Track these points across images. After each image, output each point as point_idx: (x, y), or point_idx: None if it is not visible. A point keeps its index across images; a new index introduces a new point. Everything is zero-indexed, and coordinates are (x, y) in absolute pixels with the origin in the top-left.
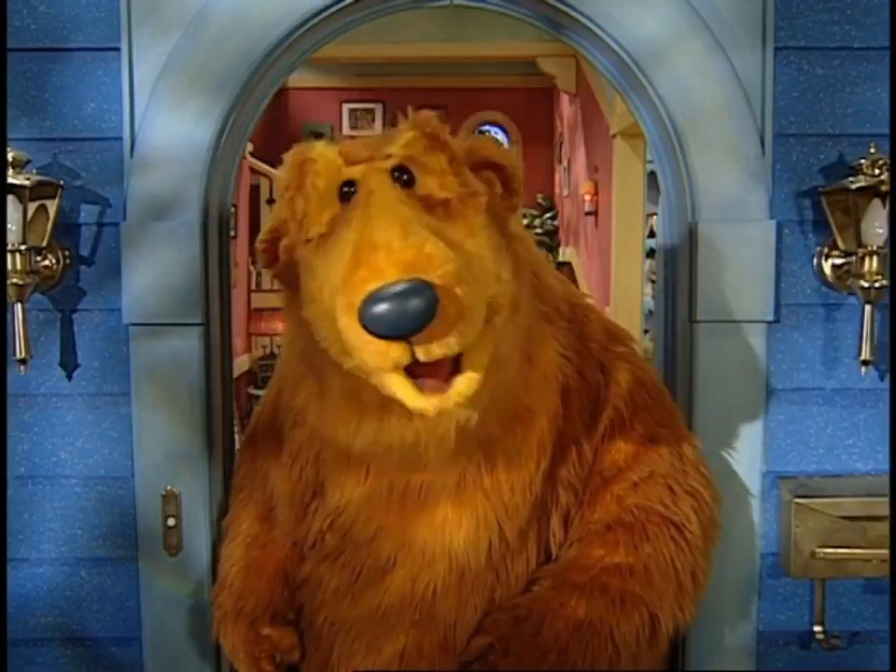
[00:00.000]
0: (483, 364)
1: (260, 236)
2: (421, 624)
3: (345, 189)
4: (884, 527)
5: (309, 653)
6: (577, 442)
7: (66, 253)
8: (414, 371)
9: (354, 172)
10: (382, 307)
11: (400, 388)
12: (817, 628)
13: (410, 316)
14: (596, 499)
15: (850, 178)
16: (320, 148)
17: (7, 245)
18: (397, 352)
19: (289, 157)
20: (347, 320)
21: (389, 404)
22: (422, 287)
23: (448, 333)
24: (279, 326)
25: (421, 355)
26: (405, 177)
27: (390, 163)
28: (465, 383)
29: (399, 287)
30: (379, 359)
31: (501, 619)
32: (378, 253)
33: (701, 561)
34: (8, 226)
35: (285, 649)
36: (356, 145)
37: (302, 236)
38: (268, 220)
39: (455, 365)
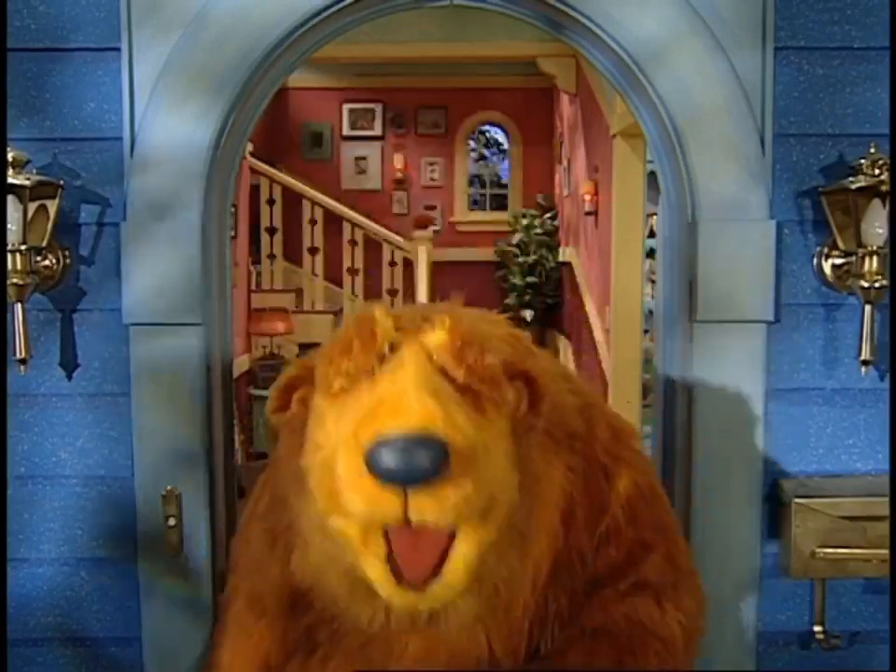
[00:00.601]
0: (472, 557)
1: (278, 382)
2: None
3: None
4: (884, 527)
5: None
6: (580, 552)
7: (66, 253)
8: (398, 547)
9: (396, 337)
10: (391, 448)
11: (377, 575)
12: (817, 628)
13: (416, 463)
14: (584, 604)
15: (850, 178)
16: (380, 315)
17: (7, 244)
18: (390, 504)
19: (354, 321)
20: (350, 459)
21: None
22: (436, 443)
23: (447, 496)
24: (279, 326)
25: (413, 514)
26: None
27: (433, 342)
28: (453, 573)
29: (412, 435)
30: (370, 507)
31: None
32: (403, 401)
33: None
34: (9, 226)
35: None
36: (406, 312)
37: (325, 386)
38: (289, 368)
39: (439, 560)
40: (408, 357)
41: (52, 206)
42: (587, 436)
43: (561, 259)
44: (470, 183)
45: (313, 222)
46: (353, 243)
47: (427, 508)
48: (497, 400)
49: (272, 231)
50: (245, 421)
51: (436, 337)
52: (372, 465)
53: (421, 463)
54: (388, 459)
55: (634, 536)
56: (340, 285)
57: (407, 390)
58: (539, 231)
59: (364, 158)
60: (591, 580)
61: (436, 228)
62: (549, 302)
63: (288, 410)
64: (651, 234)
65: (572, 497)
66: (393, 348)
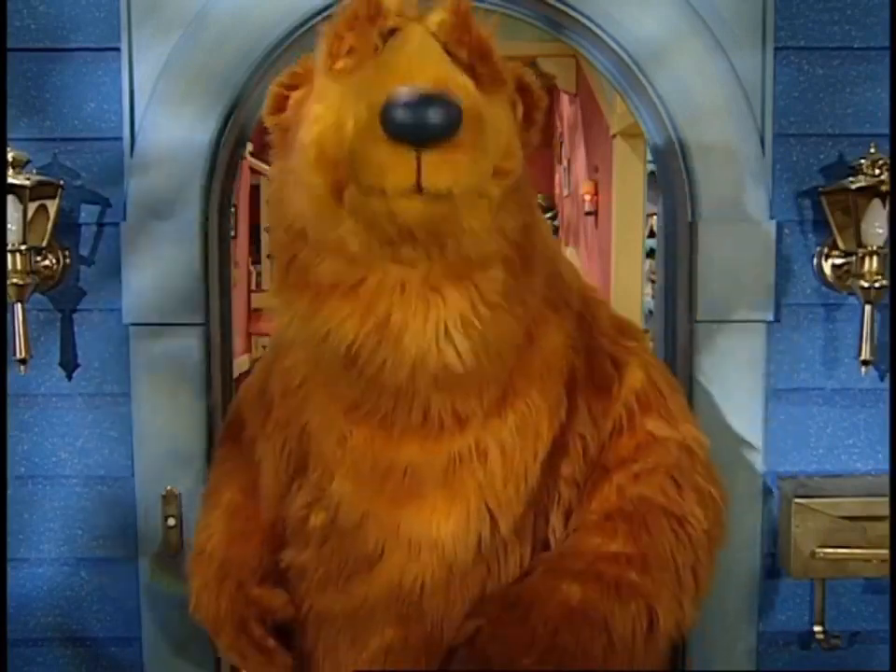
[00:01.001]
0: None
1: (278, 79)
2: (408, 619)
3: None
4: (884, 527)
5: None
6: (582, 437)
7: (66, 253)
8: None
9: (398, 21)
10: (406, 106)
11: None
12: (817, 628)
13: (433, 119)
14: (596, 489)
15: (850, 178)
16: None
17: (7, 244)
18: (404, 167)
19: None
20: (363, 122)
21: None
22: (450, 101)
23: (459, 163)
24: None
25: (427, 176)
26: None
27: (434, 25)
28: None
29: (427, 91)
30: (383, 172)
31: (491, 603)
32: (411, 63)
33: (703, 559)
34: (9, 226)
35: (277, 607)
36: (406, 2)
37: (326, 65)
38: (292, 66)
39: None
40: (411, 33)
41: (52, 206)
42: (590, 325)
43: None
44: None
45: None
46: None
47: (441, 172)
48: (497, 79)
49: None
50: None
51: (437, 16)
52: (387, 122)
53: (436, 119)
54: (403, 115)
55: (650, 425)
56: None
57: (416, 56)
58: None
59: None
60: (603, 469)
61: None
62: None
63: (283, 112)
64: (651, 234)
65: (575, 371)
66: (394, 32)
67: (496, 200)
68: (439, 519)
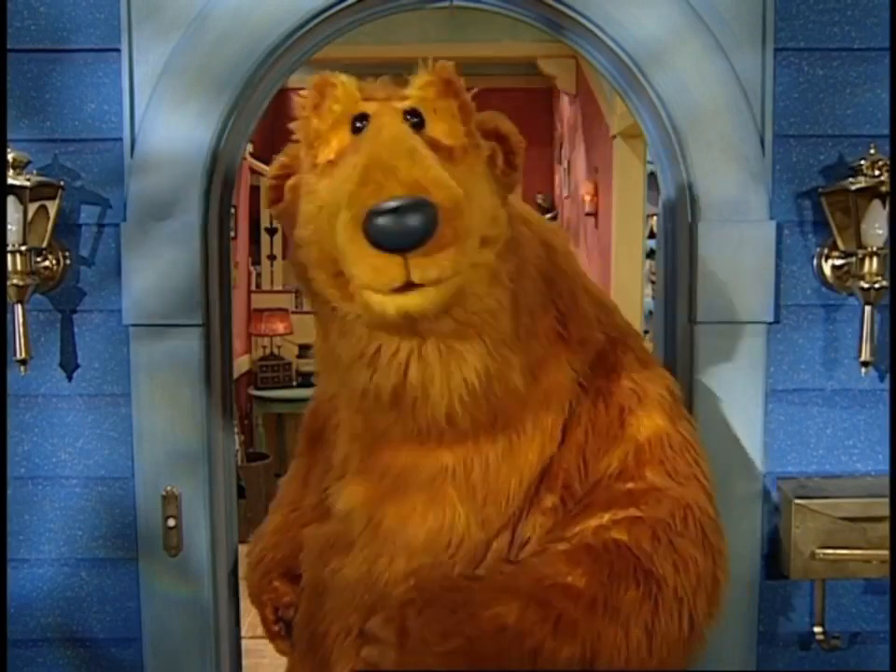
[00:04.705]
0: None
1: (270, 171)
2: (372, 608)
3: (358, 125)
4: (884, 528)
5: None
6: (567, 472)
7: (67, 254)
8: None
9: (369, 106)
10: (386, 218)
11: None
12: (817, 629)
13: (412, 228)
14: (576, 522)
15: (850, 179)
16: (342, 77)
17: (7, 245)
18: (394, 269)
19: (312, 80)
20: (349, 233)
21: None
22: (425, 204)
23: (443, 254)
24: (279, 326)
25: (416, 275)
26: (416, 120)
27: (404, 104)
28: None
29: (403, 202)
30: (375, 275)
31: (434, 581)
32: (386, 173)
33: (666, 621)
34: (9, 227)
35: (283, 604)
36: (374, 85)
37: (310, 161)
38: (279, 157)
39: None
40: (382, 124)
41: (53, 207)
42: (613, 361)
43: None
44: None
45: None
46: None
47: (429, 267)
48: (474, 144)
49: (272, 231)
50: (244, 421)
51: (415, 90)
52: (370, 236)
53: (414, 225)
54: (385, 228)
55: (651, 477)
56: None
57: (388, 155)
58: None
59: None
60: (587, 506)
61: None
62: None
63: (282, 202)
64: (651, 235)
65: (578, 410)
66: (365, 118)
67: (490, 263)
68: (415, 522)
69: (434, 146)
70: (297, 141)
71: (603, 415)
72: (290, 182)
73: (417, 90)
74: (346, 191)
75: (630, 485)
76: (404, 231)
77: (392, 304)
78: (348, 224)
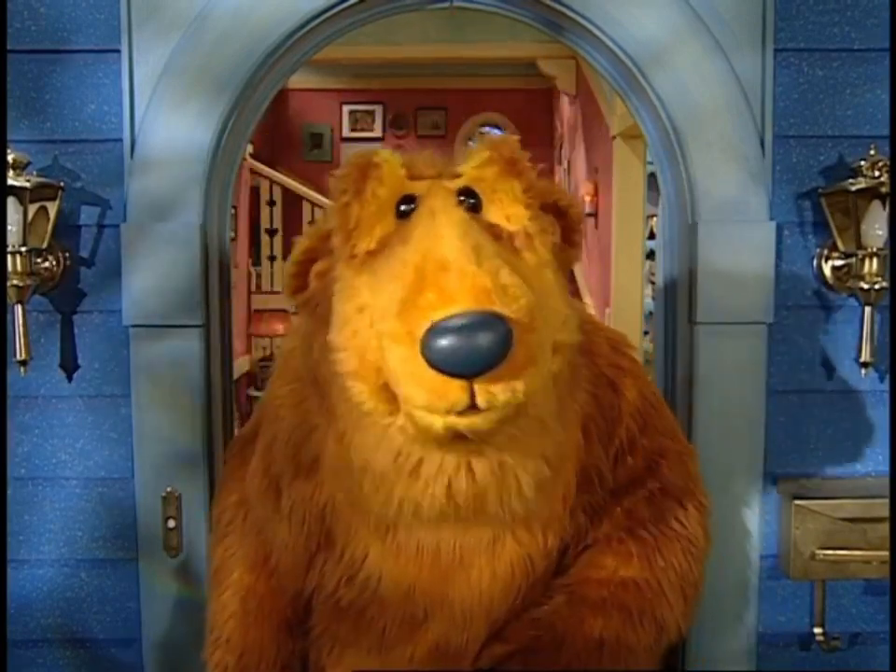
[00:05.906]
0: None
1: (293, 257)
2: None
3: (403, 208)
4: (884, 529)
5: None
6: (597, 468)
7: (67, 254)
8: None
9: (416, 186)
10: (450, 339)
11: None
12: (817, 630)
13: (482, 353)
14: (606, 511)
15: (850, 180)
16: (386, 154)
17: (7, 246)
18: (457, 394)
19: (351, 159)
20: (404, 350)
21: (419, 462)
22: (497, 322)
23: (516, 377)
24: (279, 327)
25: (482, 400)
26: (472, 202)
27: (458, 184)
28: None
29: (471, 319)
30: (434, 399)
31: (519, 629)
32: (448, 276)
33: (700, 573)
34: (9, 227)
35: None
36: (422, 158)
37: (347, 252)
38: (302, 240)
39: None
40: (434, 211)
41: (53, 208)
42: (590, 350)
43: None
44: None
45: (313, 223)
46: None
47: (497, 392)
48: (535, 236)
49: (272, 232)
50: (244, 422)
51: (473, 170)
52: (432, 360)
53: (487, 351)
54: (451, 354)
55: (649, 443)
56: None
57: (451, 256)
58: None
59: None
60: (611, 492)
61: None
62: None
63: (307, 289)
64: (652, 236)
65: (586, 409)
66: (412, 199)
67: (562, 372)
68: (486, 582)
69: (494, 233)
70: (319, 222)
71: (603, 399)
72: (318, 267)
73: (474, 168)
74: (397, 297)
75: (639, 460)
76: (472, 355)
77: (442, 423)
78: (402, 339)
